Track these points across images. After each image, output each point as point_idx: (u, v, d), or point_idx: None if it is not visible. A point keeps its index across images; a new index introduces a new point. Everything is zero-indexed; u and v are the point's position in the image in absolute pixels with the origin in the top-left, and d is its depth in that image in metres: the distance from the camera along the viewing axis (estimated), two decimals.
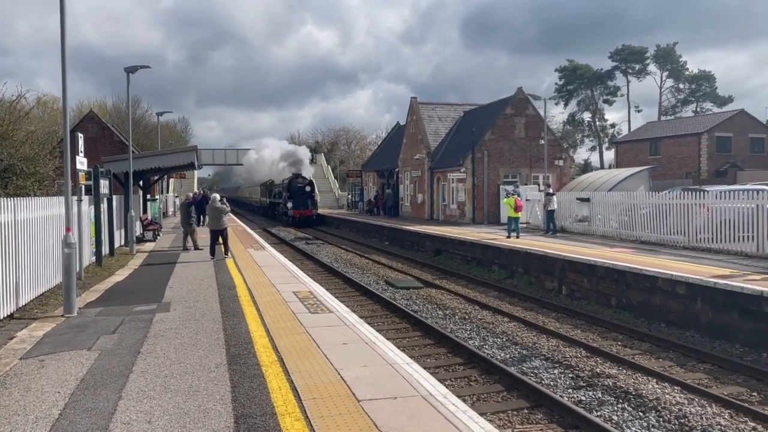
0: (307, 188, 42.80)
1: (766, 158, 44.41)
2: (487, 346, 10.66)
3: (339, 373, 6.31)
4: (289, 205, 41.74)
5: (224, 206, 17.09)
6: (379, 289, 16.50)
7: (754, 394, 8.15)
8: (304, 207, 41.90)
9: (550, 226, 22.48)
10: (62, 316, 9.51)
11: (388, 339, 8.45)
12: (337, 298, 11.63)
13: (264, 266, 15.14)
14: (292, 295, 10.94)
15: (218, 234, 16.84)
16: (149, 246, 21.25)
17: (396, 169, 40.81)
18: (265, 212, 55.53)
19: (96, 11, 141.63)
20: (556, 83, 73.57)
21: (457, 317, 13.07)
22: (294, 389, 5.86)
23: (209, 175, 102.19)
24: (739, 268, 12.59)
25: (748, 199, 15.05)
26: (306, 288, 11.89)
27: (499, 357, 9.96)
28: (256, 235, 26.03)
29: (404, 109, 41.02)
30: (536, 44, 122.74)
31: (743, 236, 15.06)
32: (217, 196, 17.63)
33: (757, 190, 15.83)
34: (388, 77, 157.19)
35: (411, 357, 8.30)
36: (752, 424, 7.03)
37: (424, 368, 7.39)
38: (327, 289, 12.79)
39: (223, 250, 16.91)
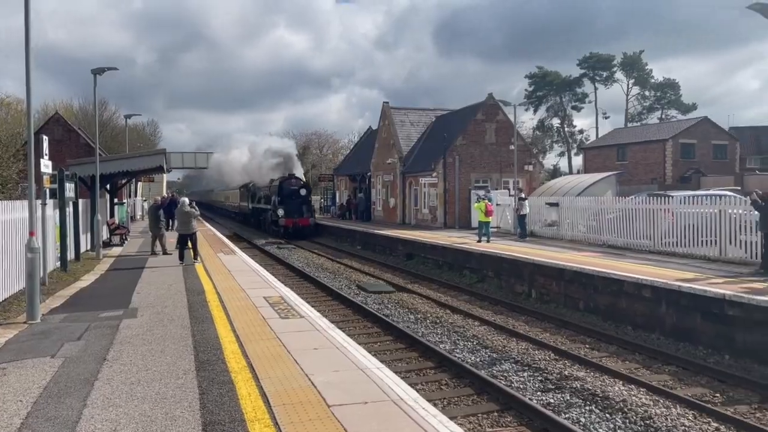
0: (302, 191, 36.06)
1: (729, 164, 45.63)
2: (458, 350, 10.72)
3: (309, 379, 6.27)
4: (280, 212, 34.71)
5: (193, 210, 16.88)
6: (351, 294, 16.47)
7: (717, 395, 8.34)
8: (299, 214, 34.95)
9: (522, 230, 22.75)
10: (25, 322, 9.26)
11: (359, 344, 8.44)
12: (308, 302, 11.57)
13: (234, 271, 14.98)
14: (262, 300, 10.85)
15: (187, 238, 16.62)
16: (116, 251, 20.86)
17: (368, 174, 40.84)
18: (246, 220, 48.30)
19: (63, 12, 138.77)
20: (526, 89, 74.73)
21: (428, 321, 13.12)
22: (264, 395, 5.81)
23: (179, 178, 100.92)
24: (702, 272, 12.90)
25: (711, 205, 15.45)
26: (277, 293, 11.80)
27: (469, 361, 10.02)
28: (226, 240, 25.75)
29: (377, 113, 41.16)
30: (507, 51, 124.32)
31: (706, 240, 15.44)
32: (186, 200, 17.40)
33: (720, 196, 16.27)
34: (362, 82, 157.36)
35: (382, 361, 8.29)
36: (715, 424, 7.20)
37: (395, 373, 7.41)
38: (298, 294, 12.72)
39: (192, 254, 16.69)
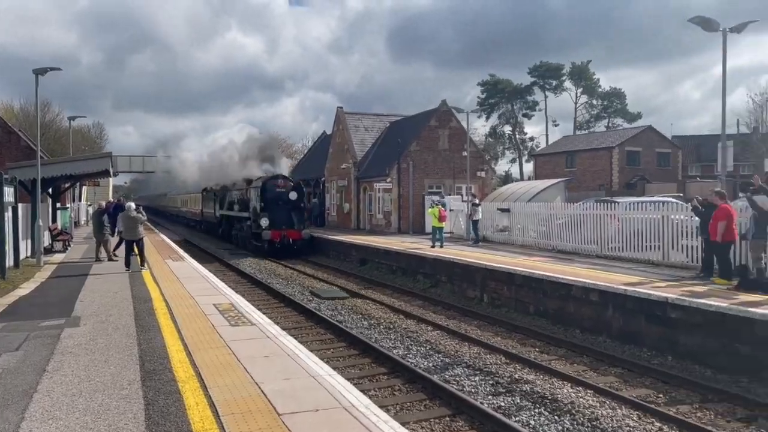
0: (292, 195, 28.52)
1: (672, 172, 47.41)
2: (411, 355, 10.73)
3: (259, 387, 6.16)
4: (264, 221, 27.22)
5: (140, 215, 16.43)
6: (304, 300, 16.31)
7: (660, 395, 8.60)
8: (288, 225, 27.60)
9: (476, 235, 23.05)
10: None
11: (311, 351, 8.36)
12: (259, 309, 11.39)
13: (183, 278, 14.63)
14: (212, 308, 10.62)
15: (133, 244, 16.17)
16: (59, 257, 20.09)
17: (322, 179, 40.64)
18: (210, 229, 39.95)
19: (3, 10, 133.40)
20: (478, 97, 75.83)
21: (382, 327, 13.11)
22: (212, 405, 5.67)
23: (126, 182, 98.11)
24: (646, 276, 13.31)
25: (655, 211, 16.00)
26: (227, 300, 11.58)
27: (422, 366, 10.05)
28: (174, 246, 25.15)
29: (331, 117, 40.97)
30: (461, 58, 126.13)
31: (650, 245, 15.96)
32: (132, 205, 16.91)
33: (663, 202, 16.86)
34: (316, 86, 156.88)
35: (334, 368, 8.24)
36: (659, 424, 7.41)
37: (348, 379, 7.35)
38: (249, 301, 12.52)
39: (138, 261, 16.23)
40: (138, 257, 16.22)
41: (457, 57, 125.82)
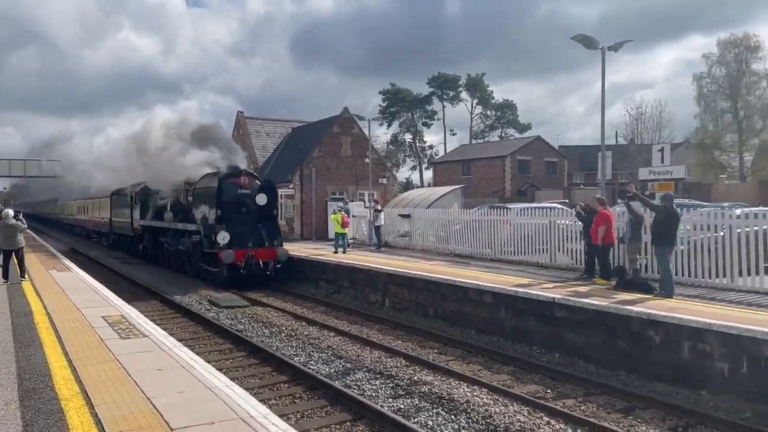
0: (260, 199, 20.21)
1: (558, 180, 50.42)
2: (312, 362, 10.69)
3: (151, 402, 5.91)
4: (222, 236, 19.03)
5: (20, 223, 15.27)
6: (202, 310, 15.80)
7: (549, 390, 9.11)
8: (257, 241, 19.75)
9: (378, 240, 23.33)
10: None
11: (208, 361, 8.13)
12: (153, 321, 10.93)
13: (69, 289, 13.72)
14: (100, 320, 10.04)
15: (12, 254, 14.99)
16: None
17: None
18: (124, 245, 30.74)
19: None
20: (380, 105, 76.88)
21: (283, 335, 12.95)
22: (98, 423, 5.37)
23: (5, 188, 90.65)
24: (536, 278, 14.06)
25: (543, 216, 16.98)
26: (117, 311, 10.99)
27: (324, 372, 10.04)
28: (60, 255, 23.52)
29: (232, 122, 39.97)
30: (363, 66, 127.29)
31: (540, 249, 16.90)
32: (11, 212, 15.67)
33: (550, 208, 17.92)
34: (215, 89, 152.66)
35: (233, 379, 8.08)
36: (547, 418, 7.84)
37: (247, 389, 7.23)
38: (142, 312, 11.96)
39: (18, 272, 15.06)
40: (18, 268, 15.06)
41: (359, 64, 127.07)
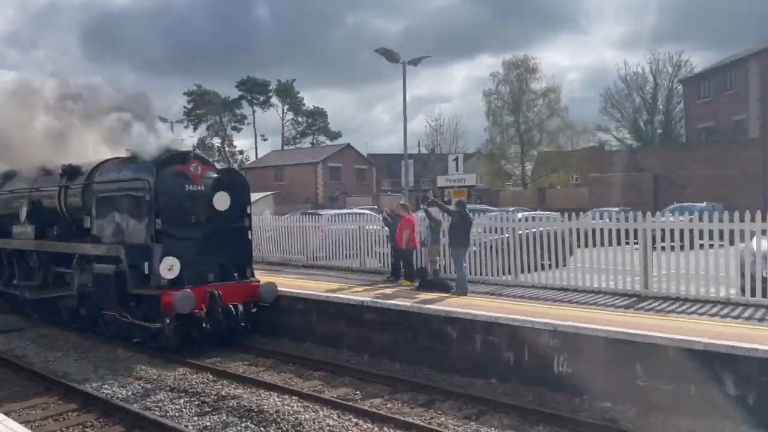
0: (221, 201, 12.11)
1: (368, 186, 52.48)
2: (107, 386, 9.75)
3: None
4: (167, 264, 11.04)
5: None
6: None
7: (358, 392, 9.31)
8: (223, 272, 12.21)
9: None
10: None
11: None
12: None
13: None
14: None
15: None
16: None
17: None
18: None
19: None
20: (185, 107, 73.44)
21: (71, 358, 11.64)
22: None
23: None
24: (347, 282, 14.39)
25: (353, 222, 17.49)
26: None
27: (120, 395, 9.22)
28: None
29: None
30: (166, 64, 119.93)
31: (351, 254, 17.36)
32: None
33: (360, 214, 18.51)
34: None
35: (8, 413, 7.07)
36: (355, 420, 8.00)
37: (25, 423, 6.39)
38: None
39: None
40: None
41: (161, 62, 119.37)
